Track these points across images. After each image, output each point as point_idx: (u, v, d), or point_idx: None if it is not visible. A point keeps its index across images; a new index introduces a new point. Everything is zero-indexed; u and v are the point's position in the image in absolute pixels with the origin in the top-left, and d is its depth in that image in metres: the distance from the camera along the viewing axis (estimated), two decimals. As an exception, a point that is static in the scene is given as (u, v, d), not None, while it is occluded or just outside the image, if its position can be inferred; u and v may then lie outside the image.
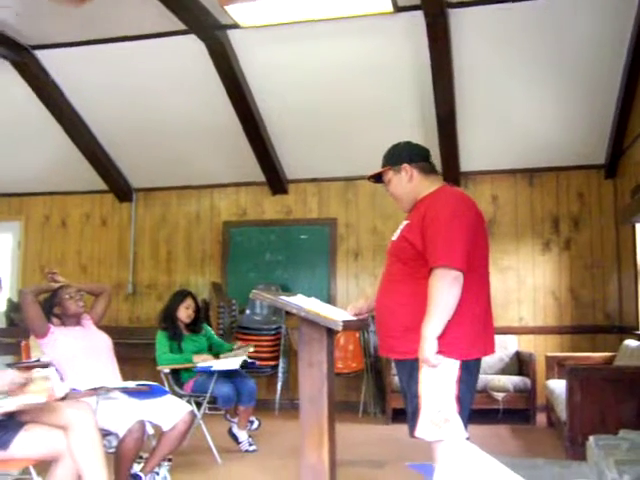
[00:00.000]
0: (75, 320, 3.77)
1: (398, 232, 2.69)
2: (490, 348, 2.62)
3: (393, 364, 5.94)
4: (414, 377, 2.50)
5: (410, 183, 2.71)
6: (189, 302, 4.90)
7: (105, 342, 3.79)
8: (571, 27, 5.15)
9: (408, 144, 2.82)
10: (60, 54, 5.82)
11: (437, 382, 2.45)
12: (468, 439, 2.51)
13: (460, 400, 2.47)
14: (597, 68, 5.45)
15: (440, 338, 2.42)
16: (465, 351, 2.49)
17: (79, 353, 3.60)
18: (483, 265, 2.61)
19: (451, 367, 2.46)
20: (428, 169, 2.74)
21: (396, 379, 5.80)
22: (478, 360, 2.60)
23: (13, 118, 6.60)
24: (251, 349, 5.03)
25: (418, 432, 2.48)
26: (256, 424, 4.94)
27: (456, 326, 2.44)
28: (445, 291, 2.41)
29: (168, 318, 4.83)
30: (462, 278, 2.43)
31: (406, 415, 2.62)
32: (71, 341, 3.62)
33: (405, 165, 2.71)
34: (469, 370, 2.51)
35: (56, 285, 3.76)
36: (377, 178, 2.85)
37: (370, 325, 6.11)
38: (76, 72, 6.05)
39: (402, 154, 2.75)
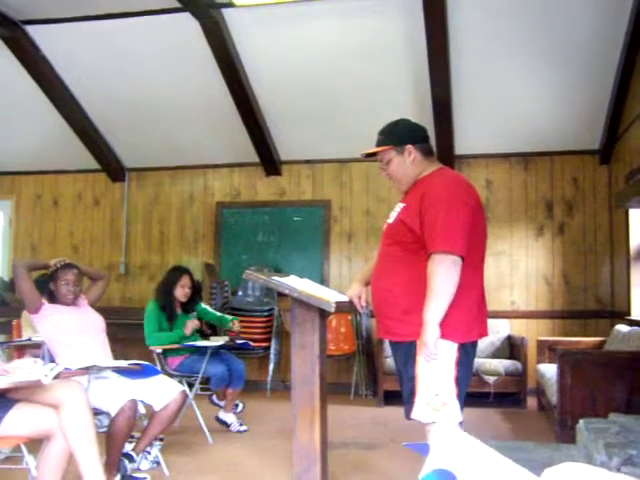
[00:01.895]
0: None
1: (395, 214, 2.65)
2: (485, 331, 2.63)
3: (388, 346, 5.95)
4: (411, 359, 2.49)
5: (412, 165, 2.64)
6: (185, 280, 4.80)
7: (98, 323, 3.76)
8: (568, 11, 5.11)
9: (409, 123, 2.73)
10: (51, 30, 5.73)
11: (435, 365, 2.45)
12: (462, 423, 2.52)
13: (459, 382, 2.47)
14: (593, 53, 5.42)
15: (442, 322, 2.41)
16: (464, 334, 2.49)
17: (71, 331, 3.58)
18: (481, 249, 2.60)
19: (450, 350, 2.46)
20: (428, 151, 2.69)
21: (388, 361, 5.82)
22: (475, 343, 2.60)
23: (3, 95, 6.51)
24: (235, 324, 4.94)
25: (414, 414, 2.47)
26: (240, 407, 4.92)
27: (455, 309, 2.43)
28: (445, 276, 2.39)
29: (165, 295, 4.77)
30: (460, 262, 2.41)
31: (400, 397, 2.62)
32: (64, 319, 3.59)
33: (409, 146, 2.63)
34: (467, 353, 2.52)
35: (58, 264, 3.70)
36: (370, 153, 2.75)
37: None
38: (68, 48, 5.97)
39: (405, 134, 2.67)
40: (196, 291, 4.95)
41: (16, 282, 3.58)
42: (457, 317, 2.45)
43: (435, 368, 2.45)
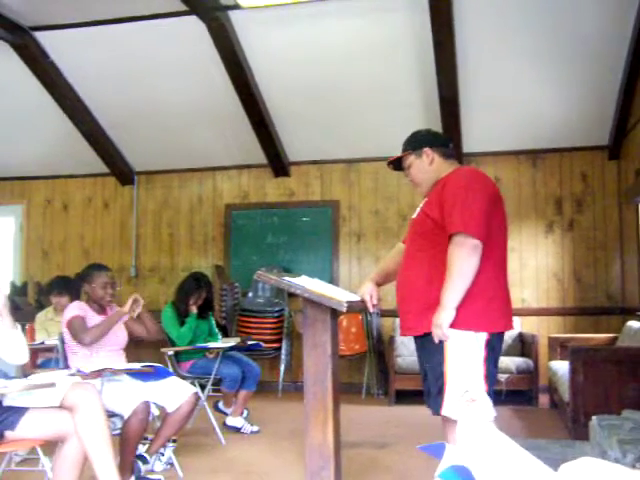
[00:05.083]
0: (100, 307, 3.76)
1: (418, 210, 2.75)
2: (510, 323, 2.65)
3: (399, 345, 5.95)
4: (439, 354, 2.49)
5: (430, 167, 2.74)
6: (202, 294, 4.88)
7: (121, 339, 3.77)
8: (575, 6, 5.10)
9: (429, 131, 2.87)
10: (60, 35, 5.77)
11: (464, 361, 2.46)
12: (496, 417, 2.50)
13: (488, 379, 2.48)
14: (601, 49, 5.40)
15: (468, 311, 2.44)
16: (489, 324, 2.51)
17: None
18: (502, 239, 2.64)
19: (477, 345, 2.47)
20: (448, 153, 2.78)
21: (399, 360, 5.83)
22: (501, 336, 2.62)
23: (14, 101, 6.56)
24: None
25: (445, 411, 2.47)
26: (245, 413, 4.89)
27: (478, 298, 2.46)
28: (464, 259, 2.42)
29: (181, 302, 4.85)
30: (481, 248, 2.44)
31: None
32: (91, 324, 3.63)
33: (426, 149, 2.74)
34: (493, 348, 2.53)
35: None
36: (396, 165, 2.86)
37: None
38: (76, 54, 6.01)
39: (423, 139, 2.79)
40: (208, 302, 5.01)
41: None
42: (480, 306, 2.47)
43: (464, 365, 2.46)
